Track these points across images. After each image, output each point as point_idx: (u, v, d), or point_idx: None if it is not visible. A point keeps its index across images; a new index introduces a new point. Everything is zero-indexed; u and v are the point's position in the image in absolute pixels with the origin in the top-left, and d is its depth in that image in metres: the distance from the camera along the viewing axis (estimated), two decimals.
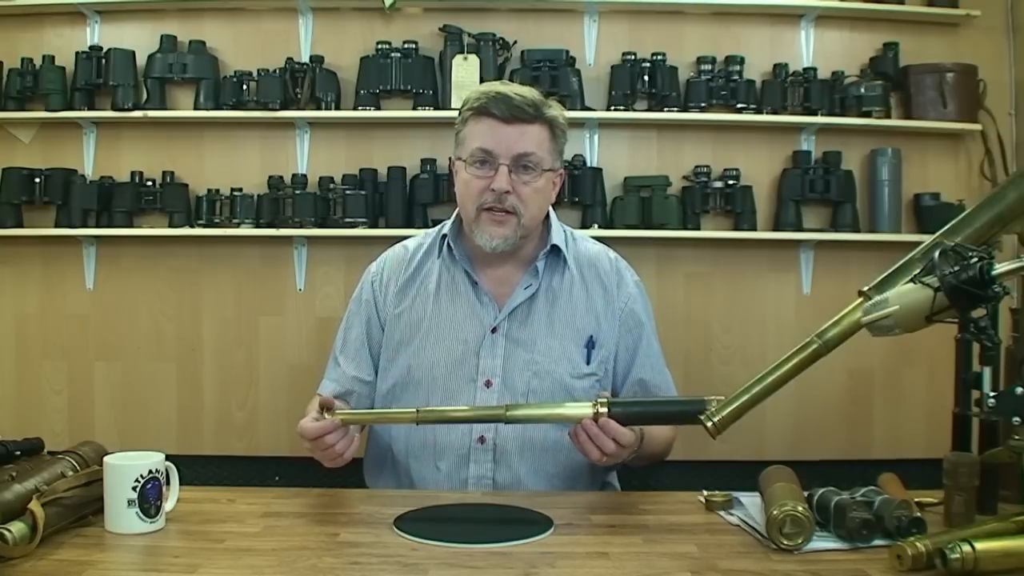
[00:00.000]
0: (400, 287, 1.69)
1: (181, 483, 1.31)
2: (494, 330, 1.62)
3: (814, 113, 2.65)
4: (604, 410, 1.34)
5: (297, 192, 2.61)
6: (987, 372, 1.22)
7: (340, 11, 2.72)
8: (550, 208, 1.72)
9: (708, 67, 2.66)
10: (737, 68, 2.66)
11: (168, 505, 1.27)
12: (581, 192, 2.62)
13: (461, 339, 1.62)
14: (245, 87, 2.61)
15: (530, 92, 1.60)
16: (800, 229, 2.69)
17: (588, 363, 1.64)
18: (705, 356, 2.73)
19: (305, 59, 2.68)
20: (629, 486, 1.82)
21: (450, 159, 1.68)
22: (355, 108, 2.62)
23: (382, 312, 1.70)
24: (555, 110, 1.62)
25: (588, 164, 2.68)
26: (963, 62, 2.70)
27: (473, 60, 2.61)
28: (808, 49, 2.75)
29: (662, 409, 1.42)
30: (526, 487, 1.59)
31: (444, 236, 1.69)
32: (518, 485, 1.59)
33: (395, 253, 1.75)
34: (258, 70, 2.62)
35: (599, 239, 2.54)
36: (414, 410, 1.39)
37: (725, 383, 2.62)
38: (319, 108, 2.64)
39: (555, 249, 1.67)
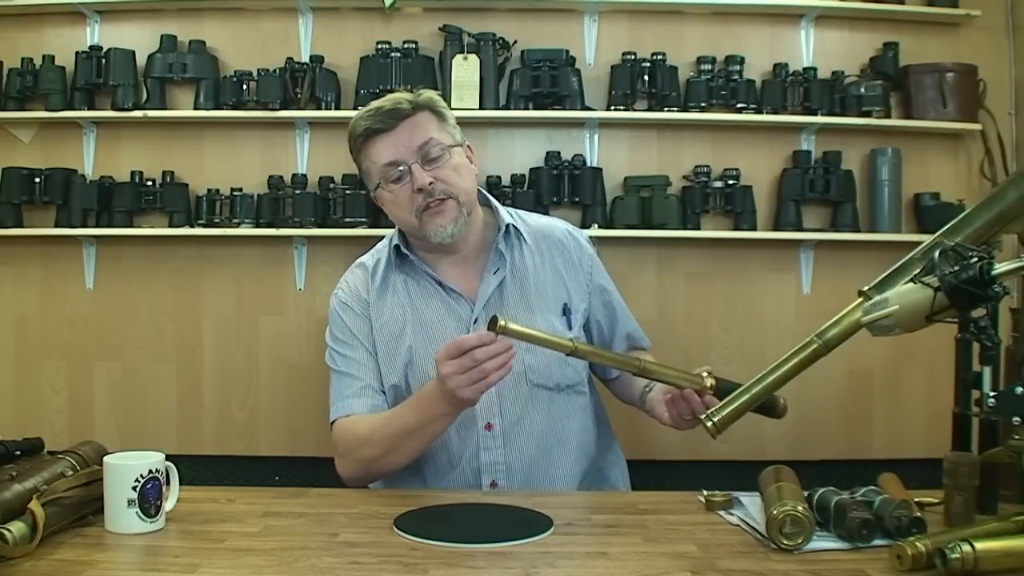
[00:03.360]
0: (374, 299, 1.69)
1: (181, 483, 1.31)
2: (475, 322, 1.64)
3: (814, 113, 2.65)
4: (711, 382, 1.45)
5: (297, 192, 2.61)
6: (987, 372, 1.22)
7: (340, 11, 2.72)
8: (487, 195, 1.76)
9: (708, 67, 2.66)
10: (737, 68, 2.66)
11: (168, 505, 1.27)
12: (581, 192, 2.62)
13: (447, 337, 1.61)
14: (245, 87, 2.61)
15: (396, 95, 1.65)
16: (800, 229, 2.69)
17: (570, 329, 1.68)
18: (705, 356, 2.72)
19: (305, 59, 2.68)
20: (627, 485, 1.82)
21: (372, 196, 1.69)
22: (355, 108, 2.61)
23: (369, 320, 1.69)
24: (427, 94, 1.66)
25: (588, 164, 2.68)
26: (963, 62, 2.70)
27: (473, 60, 2.61)
28: (808, 49, 2.75)
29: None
30: (537, 465, 1.61)
31: (396, 247, 1.70)
32: (529, 467, 1.61)
33: (355, 274, 1.75)
34: (258, 70, 2.62)
35: (599, 239, 2.57)
36: (570, 340, 1.41)
37: None
38: (319, 108, 2.64)
39: (508, 229, 1.70)
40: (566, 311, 1.69)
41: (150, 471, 1.22)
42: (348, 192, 2.60)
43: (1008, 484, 1.24)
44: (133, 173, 2.66)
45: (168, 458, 1.27)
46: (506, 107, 2.63)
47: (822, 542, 1.17)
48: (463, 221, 1.63)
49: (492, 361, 1.36)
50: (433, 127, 1.63)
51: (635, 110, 2.66)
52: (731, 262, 2.74)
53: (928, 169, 2.77)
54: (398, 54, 2.61)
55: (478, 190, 1.75)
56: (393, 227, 1.75)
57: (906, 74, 2.71)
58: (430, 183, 1.59)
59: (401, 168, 1.60)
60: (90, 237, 2.68)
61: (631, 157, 2.74)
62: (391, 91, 2.58)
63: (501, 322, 1.33)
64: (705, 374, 1.47)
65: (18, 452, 1.31)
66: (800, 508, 1.16)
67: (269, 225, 2.62)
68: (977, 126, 2.70)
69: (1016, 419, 1.16)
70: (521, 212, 1.80)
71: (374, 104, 1.64)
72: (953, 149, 2.78)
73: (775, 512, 1.16)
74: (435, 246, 1.65)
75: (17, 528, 1.10)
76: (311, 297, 2.71)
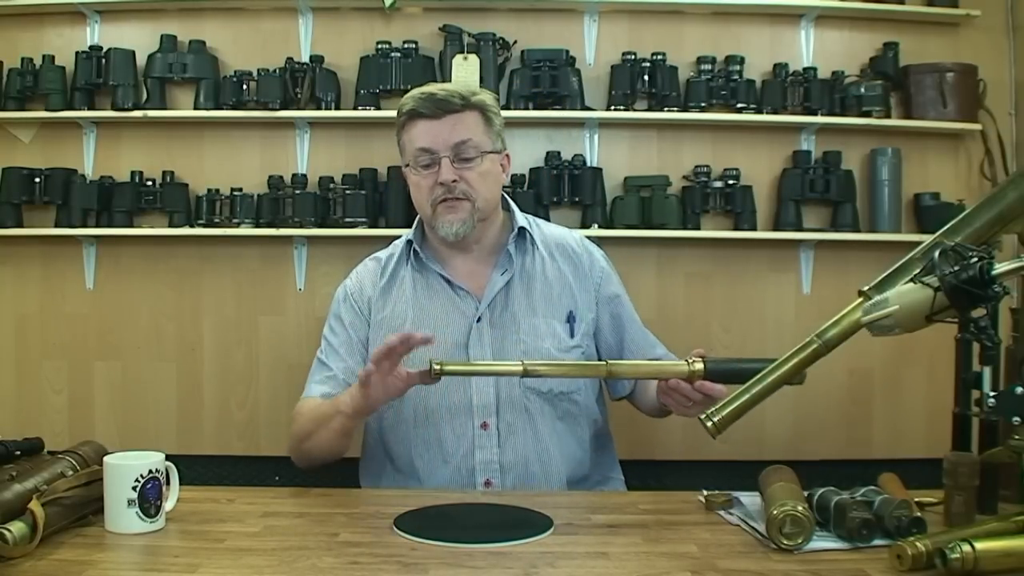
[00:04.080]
0: (379, 295, 1.73)
1: (181, 483, 1.31)
2: (478, 320, 1.66)
3: (814, 113, 2.65)
4: (699, 366, 1.41)
5: (297, 192, 2.61)
6: (987, 372, 1.22)
7: (340, 11, 2.72)
8: (509, 198, 1.78)
9: (708, 67, 2.66)
10: (737, 68, 2.66)
11: (168, 505, 1.27)
12: (581, 192, 2.62)
13: (448, 335, 1.66)
14: (245, 87, 2.61)
15: (455, 86, 1.68)
16: (800, 229, 2.69)
17: (572, 336, 1.69)
18: None
19: (305, 59, 2.68)
20: (629, 486, 1.82)
21: (398, 169, 1.72)
22: (355, 108, 2.62)
23: (366, 318, 1.73)
24: (484, 96, 1.68)
25: (588, 164, 2.68)
26: (963, 62, 2.70)
27: (473, 60, 2.61)
28: (808, 49, 2.75)
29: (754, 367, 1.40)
30: (531, 466, 1.62)
31: (410, 242, 1.73)
32: (524, 465, 1.62)
33: (367, 267, 1.79)
34: (258, 70, 2.62)
35: (599, 239, 2.57)
36: (519, 363, 1.41)
37: None
38: (319, 108, 2.64)
39: (521, 232, 1.72)
40: (570, 318, 1.70)
41: (150, 471, 1.22)
42: (348, 192, 2.60)
43: (1008, 484, 1.24)
44: (133, 173, 2.65)
45: (168, 458, 1.27)
46: (506, 107, 2.62)
47: (822, 542, 1.17)
48: (471, 224, 1.65)
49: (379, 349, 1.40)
50: (478, 128, 1.65)
51: (635, 110, 2.66)
52: (731, 262, 2.74)
53: (928, 169, 2.77)
54: (398, 54, 2.61)
55: (502, 196, 1.77)
56: (397, 227, 1.76)
57: (906, 74, 2.71)
58: (453, 180, 1.62)
59: (432, 157, 1.63)
60: (90, 237, 2.68)
61: (631, 157, 2.74)
62: (391, 92, 2.63)
63: (436, 366, 1.39)
64: (693, 359, 1.44)
65: (18, 452, 1.31)
66: (800, 508, 1.16)
67: (269, 225, 2.62)
68: (977, 126, 2.69)
69: (1016, 419, 1.16)
70: (539, 220, 1.83)
71: (430, 87, 1.67)
72: (953, 149, 2.78)
73: (775, 512, 1.16)
74: (446, 240, 1.67)
75: (17, 528, 1.10)
76: (311, 297, 2.70)
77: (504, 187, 2.57)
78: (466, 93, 1.66)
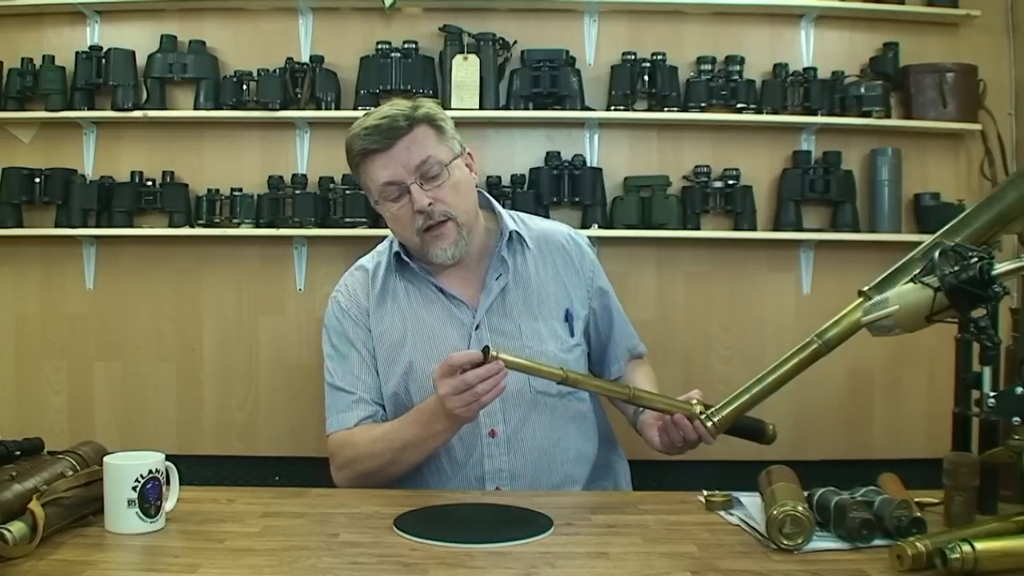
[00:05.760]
0: (374, 306, 1.68)
1: (181, 483, 1.31)
2: (477, 327, 1.63)
3: (814, 113, 2.65)
4: (700, 408, 1.44)
5: (297, 192, 2.61)
6: (987, 372, 1.22)
7: (340, 11, 2.72)
8: (486, 195, 1.75)
9: (708, 67, 2.66)
10: (737, 68, 2.66)
11: (168, 505, 1.27)
12: (581, 192, 2.62)
13: (448, 344, 1.62)
14: (245, 87, 2.61)
15: (393, 108, 1.60)
16: (800, 229, 2.69)
17: (572, 335, 1.68)
18: (705, 356, 2.73)
19: (305, 59, 2.68)
20: (629, 486, 1.82)
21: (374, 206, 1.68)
22: (355, 108, 2.62)
23: (368, 328, 1.68)
24: (424, 107, 1.61)
25: (588, 164, 2.68)
26: (963, 62, 2.70)
27: (473, 60, 2.61)
28: (808, 49, 2.75)
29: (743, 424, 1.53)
30: (542, 471, 1.61)
31: (397, 253, 1.68)
32: (533, 473, 1.60)
33: (355, 277, 1.74)
34: (258, 70, 2.62)
35: (599, 239, 2.57)
36: (560, 369, 1.42)
37: (725, 383, 2.63)
38: (319, 108, 2.64)
39: (511, 235, 1.68)
40: (568, 317, 1.69)
41: (150, 471, 1.22)
42: (348, 192, 2.60)
43: (1008, 484, 1.24)
44: (133, 173, 2.65)
45: (168, 458, 1.27)
46: (506, 107, 2.63)
47: (822, 542, 1.17)
48: (463, 243, 1.62)
49: (483, 384, 1.38)
50: (431, 142, 1.59)
51: (635, 110, 2.66)
52: (731, 262, 2.74)
53: (928, 169, 2.77)
54: (398, 54, 2.61)
55: (481, 193, 1.74)
56: None
57: (906, 74, 2.71)
58: (429, 204, 1.57)
59: (400, 188, 1.58)
60: (90, 237, 2.68)
61: (631, 157, 2.74)
62: (391, 92, 2.63)
63: (492, 352, 1.37)
64: (695, 401, 1.46)
65: (18, 452, 1.31)
66: (800, 508, 1.16)
67: (269, 225, 2.62)
68: (977, 126, 2.70)
69: (1016, 419, 1.16)
70: (523, 216, 1.79)
71: (370, 120, 1.59)
72: (953, 149, 2.78)
73: (775, 512, 1.16)
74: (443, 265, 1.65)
75: (17, 528, 1.10)
76: (311, 297, 2.70)
77: (503, 187, 2.61)
78: (407, 111, 1.59)
